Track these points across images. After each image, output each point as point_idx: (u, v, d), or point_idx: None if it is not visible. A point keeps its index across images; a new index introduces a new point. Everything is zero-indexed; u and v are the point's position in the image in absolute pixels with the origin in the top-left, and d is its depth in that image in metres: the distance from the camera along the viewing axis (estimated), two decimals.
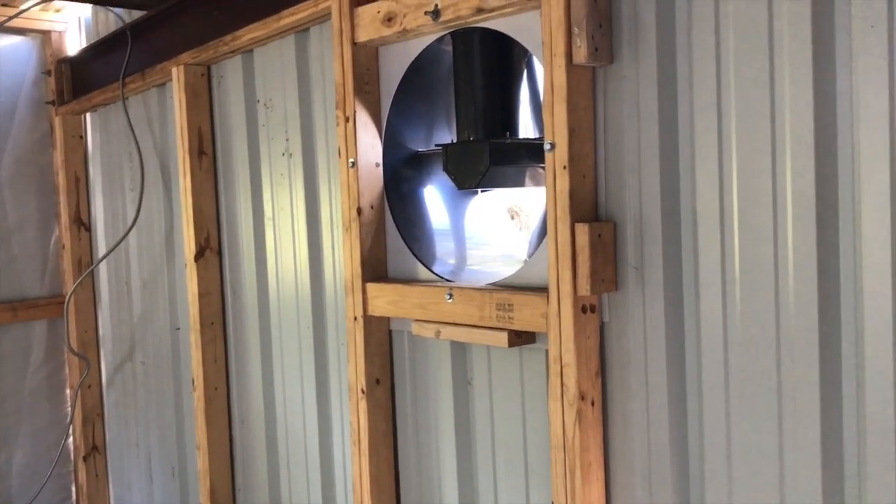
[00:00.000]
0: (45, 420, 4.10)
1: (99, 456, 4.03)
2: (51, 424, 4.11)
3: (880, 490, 1.29)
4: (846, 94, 1.30)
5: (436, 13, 1.85)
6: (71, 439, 4.11)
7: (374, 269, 2.14)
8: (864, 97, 1.27)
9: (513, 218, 2.38)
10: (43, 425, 4.09)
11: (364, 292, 2.12)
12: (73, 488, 4.17)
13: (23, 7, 3.71)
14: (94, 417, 3.98)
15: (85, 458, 4.00)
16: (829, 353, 1.34)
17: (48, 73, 3.97)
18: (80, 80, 3.79)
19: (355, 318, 2.15)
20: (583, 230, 1.58)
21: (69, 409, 4.09)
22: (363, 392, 2.15)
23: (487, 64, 2.00)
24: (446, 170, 2.05)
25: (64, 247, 4.00)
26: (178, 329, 3.24)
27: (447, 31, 1.95)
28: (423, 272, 2.08)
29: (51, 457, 4.03)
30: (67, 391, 4.14)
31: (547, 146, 1.62)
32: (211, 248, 2.90)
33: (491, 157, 1.94)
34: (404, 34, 1.98)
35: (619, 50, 1.59)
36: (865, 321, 1.29)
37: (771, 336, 1.41)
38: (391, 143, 2.15)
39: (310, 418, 2.53)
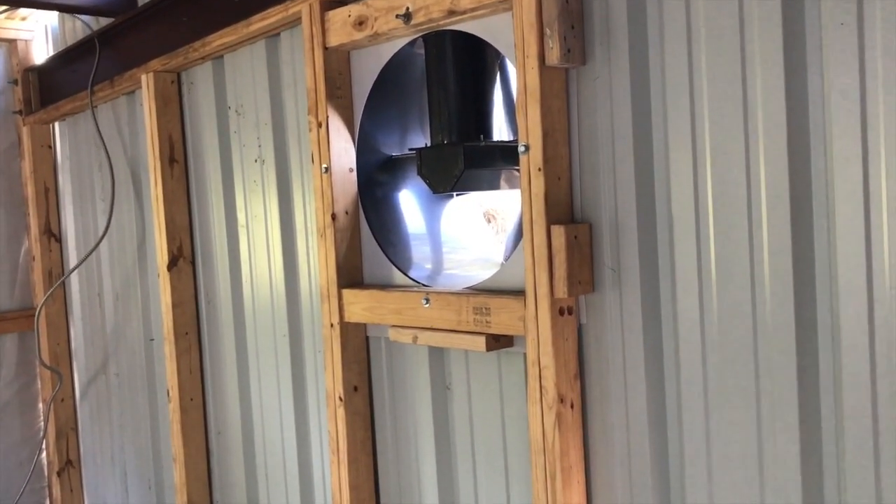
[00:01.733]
0: (17, 435, 4.02)
1: (73, 470, 3.96)
2: (23, 440, 4.04)
3: (859, 490, 1.29)
4: (818, 93, 1.30)
5: (407, 16, 1.84)
6: (44, 454, 4.04)
7: (350, 275, 2.12)
8: (835, 95, 1.28)
9: (489, 221, 2.38)
10: (15, 441, 4.02)
11: (340, 299, 2.10)
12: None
13: None
14: (67, 431, 3.92)
15: (59, 473, 3.93)
16: (806, 352, 1.35)
17: (15, 82, 3.90)
18: (47, 88, 3.73)
19: (332, 325, 2.13)
20: (559, 232, 1.58)
21: (42, 423, 4.02)
22: (341, 399, 2.13)
23: (460, 67, 1.99)
24: (421, 174, 2.04)
25: (34, 258, 3.93)
26: (152, 340, 3.19)
27: (419, 35, 1.94)
28: (399, 277, 2.06)
29: (24, 472, 3.96)
30: (40, 405, 4.07)
31: (521, 148, 1.62)
32: (184, 257, 2.86)
33: (465, 160, 1.93)
34: (376, 38, 1.97)
35: (591, 51, 1.59)
36: (842, 320, 1.29)
37: (748, 336, 1.41)
38: (365, 148, 2.14)
39: (287, 427, 2.50)
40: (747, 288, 1.40)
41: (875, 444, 1.27)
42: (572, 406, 1.64)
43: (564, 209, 1.63)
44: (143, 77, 2.84)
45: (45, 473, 4.08)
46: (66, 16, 3.57)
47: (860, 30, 1.24)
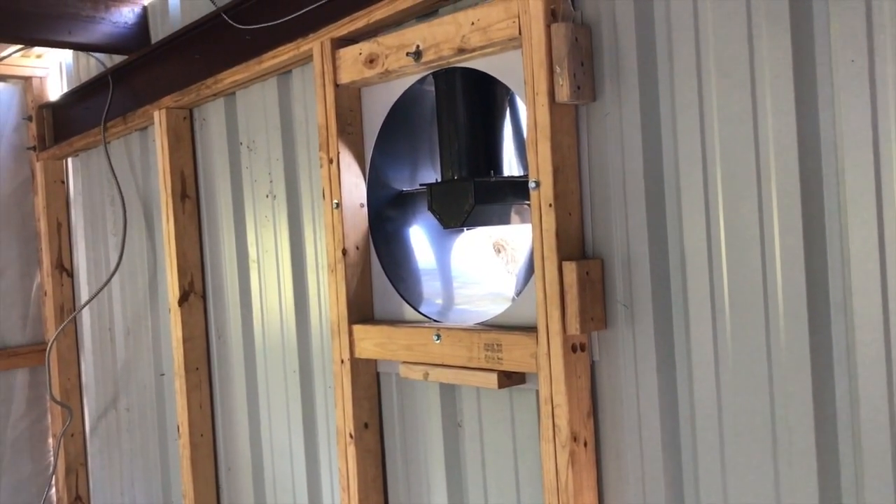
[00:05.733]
0: (26, 471, 4.00)
1: None
2: (33, 475, 4.02)
3: None
4: (829, 128, 1.30)
5: (417, 54, 1.85)
6: (53, 490, 4.02)
7: (361, 310, 2.11)
8: (847, 130, 1.27)
9: (499, 252, 2.37)
10: (25, 476, 4.00)
11: (350, 334, 2.09)
12: None
13: (3, 54, 3.70)
14: (77, 467, 3.90)
15: None
16: (821, 386, 1.33)
17: (29, 118, 3.95)
18: (61, 125, 3.77)
19: (342, 361, 2.12)
20: (570, 268, 1.57)
21: (52, 458, 4.01)
22: (351, 436, 2.11)
23: (470, 103, 2.00)
24: (431, 209, 2.04)
25: (46, 293, 3.94)
26: (163, 375, 3.18)
27: (429, 72, 1.95)
28: (410, 313, 2.05)
29: None
30: (50, 441, 4.06)
31: (532, 184, 1.62)
32: (195, 292, 2.86)
33: (476, 195, 1.93)
34: (386, 75, 1.98)
35: (601, 87, 1.59)
36: (857, 354, 1.28)
37: (763, 371, 1.39)
38: (375, 184, 2.14)
39: (297, 464, 2.48)
40: (762, 323, 1.38)
41: (895, 477, 1.25)
42: (586, 444, 1.62)
43: (576, 245, 1.62)
44: (156, 113, 2.86)
45: None
46: (81, 53, 3.62)
47: (871, 66, 1.24)
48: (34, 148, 3.91)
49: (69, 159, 3.86)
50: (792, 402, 1.35)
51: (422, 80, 2.01)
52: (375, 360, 2.13)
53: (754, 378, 1.40)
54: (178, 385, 2.88)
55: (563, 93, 1.56)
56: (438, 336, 1.86)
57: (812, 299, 1.33)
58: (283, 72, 2.42)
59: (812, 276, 1.33)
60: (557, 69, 1.57)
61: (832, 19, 1.28)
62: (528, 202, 1.93)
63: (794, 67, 1.32)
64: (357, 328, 2.08)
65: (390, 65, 1.93)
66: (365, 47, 1.99)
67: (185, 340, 2.84)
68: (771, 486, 1.39)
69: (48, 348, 3.68)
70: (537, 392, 1.68)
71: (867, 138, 1.25)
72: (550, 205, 1.59)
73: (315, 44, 2.13)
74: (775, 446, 1.38)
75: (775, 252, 1.36)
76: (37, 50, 3.81)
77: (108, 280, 3.38)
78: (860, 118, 1.25)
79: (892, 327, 1.23)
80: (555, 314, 1.59)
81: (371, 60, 1.98)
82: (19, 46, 3.68)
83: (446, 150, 2.03)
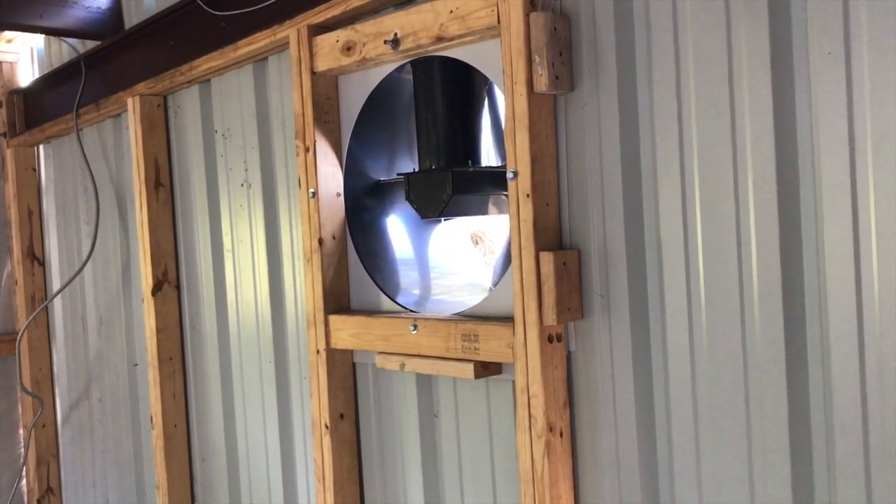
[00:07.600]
0: None
1: (54, 498, 3.89)
2: (3, 467, 3.97)
3: None
4: (806, 120, 1.30)
5: (395, 42, 1.83)
6: (24, 481, 3.97)
7: (337, 300, 2.10)
8: (823, 123, 1.28)
9: (476, 243, 2.37)
10: None
11: (326, 325, 2.08)
12: None
13: None
14: (48, 458, 3.86)
15: (39, 501, 3.86)
16: (796, 377, 1.34)
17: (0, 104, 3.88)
18: (32, 111, 3.71)
19: (318, 352, 2.11)
20: (547, 259, 1.57)
21: (22, 450, 3.96)
22: (327, 427, 2.10)
23: (448, 92, 1.99)
24: (409, 199, 2.03)
25: (16, 282, 3.89)
26: (136, 365, 3.15)
27: (407, 60, 1.94)
28: (386, 303, 2.04)
29: (3, 500, 3.89)
30: (21, 431, 4.01)
31: (510, 175, 1.61)
32: (169, 282, 2.84)
33: (453, 185, 1.93)
34: (364, 63, 1.96)
35: (579, 78, 1.59)
36: (832, 344, 1.29)
37: (738, 362, 1.40)
38: (352, 173, 2.13)
39: (272, 455, 2.47)
40: (737, 313, 1.39)
41: (866, 464, 1.26)
42: (562, 434, 1.62)
43: (553, 235, 1.62)
44: (129, 100, 2.82)
45: (25, 501, 4.00)
46: (52, 38, 3.56)
47: (847, 59, 1.25)
48: (5, 134, 3.84)
49: (41, 146, 3.80)
50: (766, 392, 1.36)
51: (400, 69, 2.00)
52: (352, 351, 2.12)
53: (729, 368, 1.41)
54: (152, 375, 2.85)
55: (542, 82, 1.56)
56: (415, 326, 1.85)
57: (787, 290, 1.33)
58: (259, 59, 2.39)
59: (787, 267, 1.33)
60: (536, 59, 1.56)
61: (809, 10, 1.28)
62: (505, 193, 1.92)
63: (772, 59, 1.33)
64: (333, 318, 2.06)
65: (368, 53, 1.91)
66: (342, 35, 1.98)
67: (158, 330, 2.81)
68: (745, 473, 1.40)
69: (18, 338, 3.63)
70: (514, 382, 1.68)
71: (843, 129, 1.25)
72: (528, 195, 1.58)
73: (291, 31, 2.10)
74: (749, 434, 1.39)
75: (751, 243, 1.37)
76: (7, 34, 3.74)
77: (81, 269, 3.34)
78: (836, 109, 1.26)
79: (866, 317, 1.24)
80: (531, 304, 1.59)
81: (348, 48, 1.96)
82: None
83: (424, 139, 2.02)
